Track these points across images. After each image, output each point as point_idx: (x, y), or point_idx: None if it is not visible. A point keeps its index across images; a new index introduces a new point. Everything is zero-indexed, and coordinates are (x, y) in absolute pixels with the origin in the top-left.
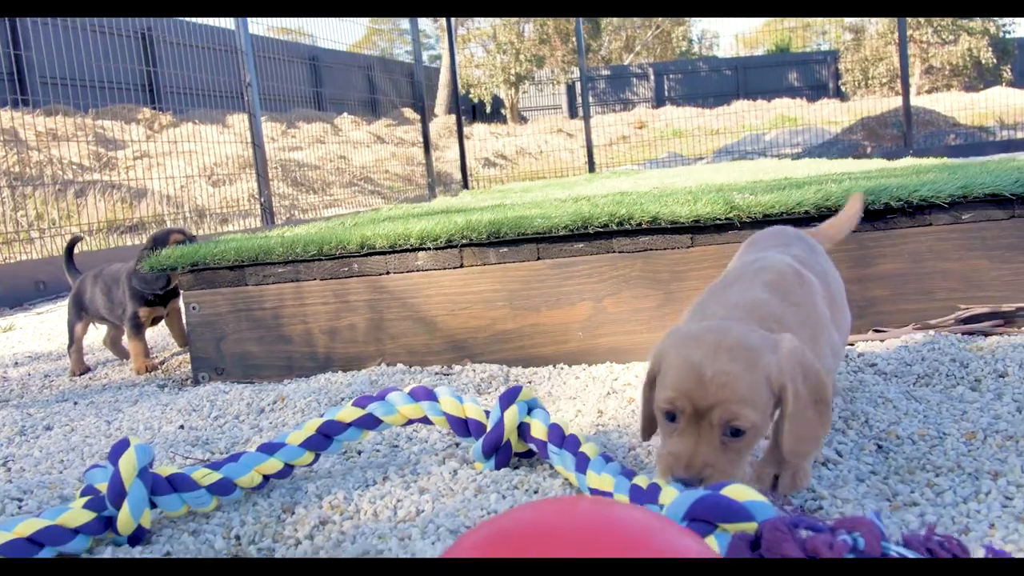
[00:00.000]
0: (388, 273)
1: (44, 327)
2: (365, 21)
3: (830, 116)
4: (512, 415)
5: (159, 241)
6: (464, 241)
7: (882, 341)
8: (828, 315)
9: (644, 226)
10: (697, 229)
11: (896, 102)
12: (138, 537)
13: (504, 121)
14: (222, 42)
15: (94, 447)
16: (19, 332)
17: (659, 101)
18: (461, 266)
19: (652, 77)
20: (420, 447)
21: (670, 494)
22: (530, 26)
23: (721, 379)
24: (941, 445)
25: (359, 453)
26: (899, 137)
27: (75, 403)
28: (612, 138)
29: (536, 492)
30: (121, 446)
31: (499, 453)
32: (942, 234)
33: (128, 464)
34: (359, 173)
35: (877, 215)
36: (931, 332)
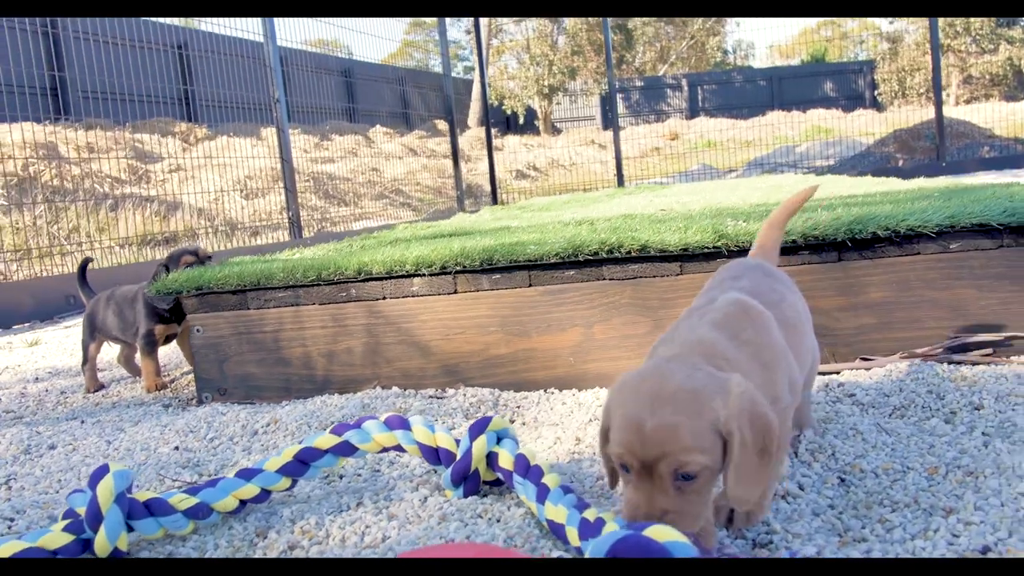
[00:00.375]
0: (384, 298)
1: (68, 342)
2: (399, 34)
3: (865, 127)
4: (480, 445)
5: (172, 260)
6: (458, 268)
7: (867, 370)
8: (784, 346)
9: (634, 254)
10: (686, 257)
11: (932, 113)
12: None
13: (537, 132)
14: (256, 55)
15: (92, 467)
16: (44, 347)
17: (693, 112)
18: (455, 292)
19: (686, 88)
20: (399, 472)
21: (611, 529)
22: (563, 38)
23: (662, 432)
24: (903, 480)
25: (340, 477)
26: (932, 149)
27: (82, 421)
28: (645, 149)
29: (499, 521)
30: (100, 472)
31: (467, 482)
32: (930, 263)
33: (106, 490)
34: (390, 185)
35: (865, 244)
36: (916, 361)
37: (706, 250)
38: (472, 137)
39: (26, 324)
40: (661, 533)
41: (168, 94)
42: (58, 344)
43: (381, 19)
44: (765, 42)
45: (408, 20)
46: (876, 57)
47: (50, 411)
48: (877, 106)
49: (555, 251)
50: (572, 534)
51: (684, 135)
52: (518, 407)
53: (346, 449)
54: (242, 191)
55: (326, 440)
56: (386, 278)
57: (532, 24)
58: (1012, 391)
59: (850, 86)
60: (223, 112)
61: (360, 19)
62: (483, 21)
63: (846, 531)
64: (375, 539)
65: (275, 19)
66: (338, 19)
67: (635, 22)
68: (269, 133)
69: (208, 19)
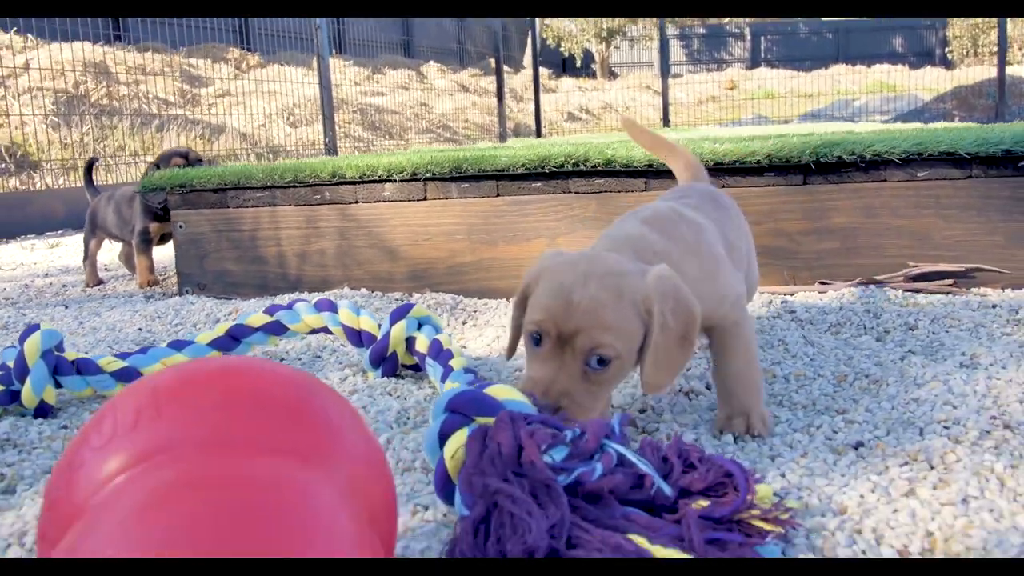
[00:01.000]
0: (357, 202)
1: None
2: None
3: (931, 84)
4: (399, 329)
5: (164, 160)
6: (428, 175)
7: (822, 295)
8: (723, 255)
9: (599, 168)
10: (651, 173)
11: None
12: (43, 411)
13: (593, 76)
14: None
15: None
16: (63, 249)
17: (754, 62)
18: (424, 199)
19: (749, 37)
20: (336, 358)
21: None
22: None
23: (588, 305)
24: (809, 385)
25: (282, 360)
26: (991, 107)
27: (66, 307)
28: (701, 97)
29: (402, 397)
30: (30, 330)
31: (386, 363)
32: (896, 191)
33: (32, 345)
34: (438, 121)
35: (831, 168)
36: (871, 287)
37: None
38: (527, 77)
39: (59, 231)
40: (501, 391)
41: (225, 21)
42: (77, 247)
43: None
44: None
45: None
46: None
47: (47, 300)
48: (947, 63)
49: (522, 162)
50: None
51: (743, 85)
52: (475, 311)
53: (277, 328)
54: (288, 118)
55: (258, 318)
56: (359, 182)
57: None
58: (950, 315)
59: (920, 42)
60: (276, 41)
61: None
62: None
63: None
64: None
65: None
66: None
67: None
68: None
69: None
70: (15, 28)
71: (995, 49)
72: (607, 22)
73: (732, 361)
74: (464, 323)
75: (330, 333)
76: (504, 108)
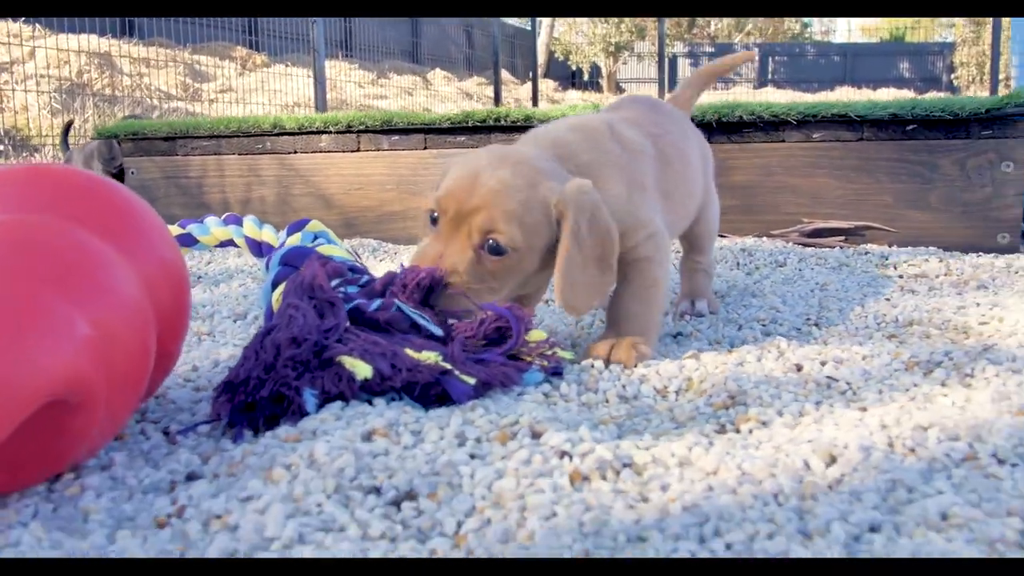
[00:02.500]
0: (295, 152)
1: None
2: None
3: None
4: (295, 240)
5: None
6: (361, 127)
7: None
8: (651, 179)
9: (519, 123)
10: None
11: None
12: None
13: (600, 90)
14: None
15: None
16: None
17: (761, 82)
18: (358, 150)
19: (756, 58)
20: (250, 271)
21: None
22: None
23: (494, 185)
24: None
25: (199, 278)
26: None
27: None
28: None
29: None
30: None
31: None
32: (792, 151)
33: None
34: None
35: (732, 128)
36: (764, 239)
37: None
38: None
39: None
40: (328, 249)
41: (233, 20)
42: None
43: None
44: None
45: None
46: (958, 39)
47: None
48: (952, 89)
49: (448, 117)
50: None
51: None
52: (395, 253)
53: (188, 240)
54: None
55: (171, 230)
56: (298, 133)
57: None
58: (817, 255)
59: (927, 68)
60: (284, 42)
61: None
62: None
63: (579, 325)
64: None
65: None
66: None
67: None
68: (328, 65)
69: None
70: (23, 17)
71: (1001, 76)
72: (615, 37)
73: (628, 299)
74: (381, 261)
75: (236, 246)
76: None
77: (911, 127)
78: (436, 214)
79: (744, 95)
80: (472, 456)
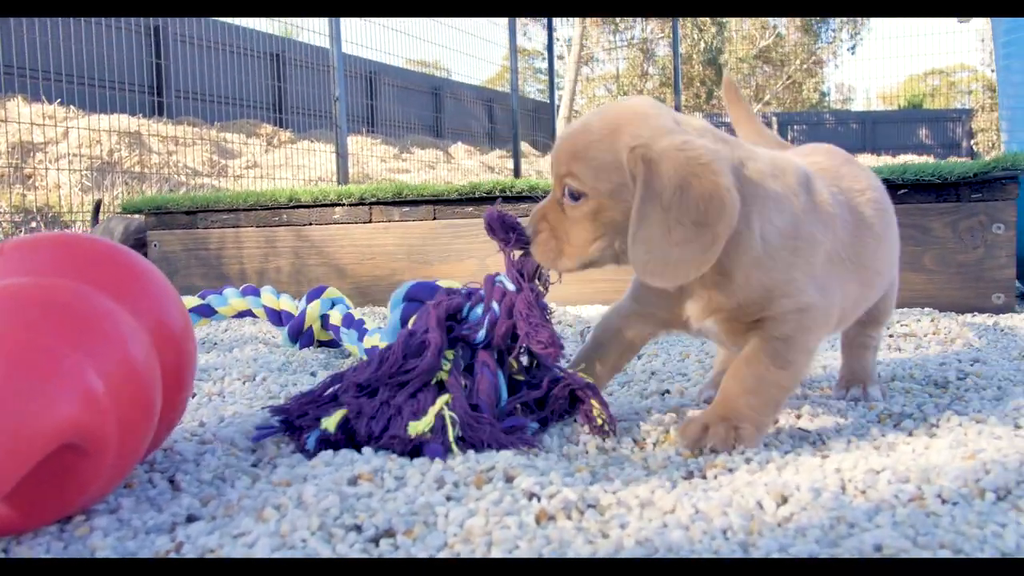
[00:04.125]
0: (311, 224)
1: None
2: (499, 58)
3: None
4: (315, 307)
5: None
6: (373, 200)
7: None
8: (823, 254)
9: (524, 194)
10: None
11: None
12: None
13: None
14: (350, 67)
15: None
16: None
17: None
18: (370, 221)
19: (776, 126)
20: (263, 339)
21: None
22: (653, 68)
23: (567, 144)
24: (652, 361)
25: (215, 344)
26: None
27: None
28: None
29: (288, 355)
30: None
31: (302, 338)
32: None
33: None
34: None
35: None
36: None
37: None
38: None
39: None
40: (445, 282)
41: (260, 99)
42: None
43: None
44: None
45: (506, 47)
46: (976, 106)
47: None
48: (972, 155)
49: (456, 189)
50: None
51: None
52: None
53: (206, 311)
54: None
55: (190, 301)
56: (313, 206)
57: (623, 54)
58: None
59: (946, 134)
60: (309, 119)
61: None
62: (574, 48)
63: None
64: (208, 361)
65: (343, 23)
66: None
67: (729, 58)
68: (352, 141)
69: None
70: (59, 100)
71: None
72: None
73: (749, 375)
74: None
75: (255, 316)
76: None
77: (902, 191)
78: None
79: None
80: (449, 498)
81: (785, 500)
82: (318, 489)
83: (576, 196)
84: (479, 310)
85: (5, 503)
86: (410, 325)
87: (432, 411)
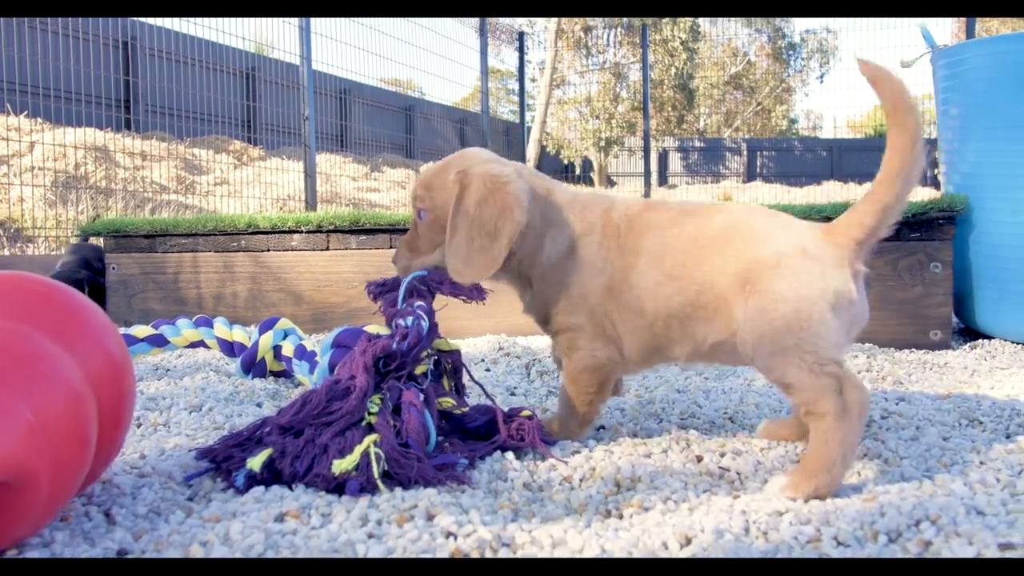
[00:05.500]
0: (268, 250)
1: None
2: (473, 79)
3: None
4: (267, 338)
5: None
6: (331, 227)
7: None
8: (593, 281)
9: None
10: None
11: None
12: None
13: (591, 183)
14: (322, 86)
15: None
16: None
17: (750, 176)
18: (327, 249)
19: (745, 152)
20: (216, 366)
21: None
22: (625, 92)
23: (424, 175)
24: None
25: (167, 371)
26: None
27: None
28: None
29: (236, 383)
30: None
31: (255, 368)
32: None
33: None
34: None
35: None
36: None
37: None
38: None
39: None
40: (373, 329)
41: (231, 116)
42: None
43: (454, 64)
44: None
45: (479, 68)
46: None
47: None
48: (936, 184)
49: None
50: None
51: (737, 198)
52: None
53: (159, 340)
54: (281, 208)
55: (143, 330)
56: (271, 232)
57: (595, 77)
58: None
59: None
60: (280, 136)
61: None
62: (547, 71)
63: None
64: (158, 389)
65: (315, 42)
66: (412, 61)
67: (700, 84)
68: (322, 159)
69: (277, 49)
70: (25, 112)
71: None
72: (606, 132)
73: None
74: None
75: (207, 346)
76: None
77: None
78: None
79: (733, 189)
80: (370, 535)
81: (689, 541)
82: (244, 526)
83: (421, 214)
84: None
85: None
86: (336, 373)
87: (358, 449)
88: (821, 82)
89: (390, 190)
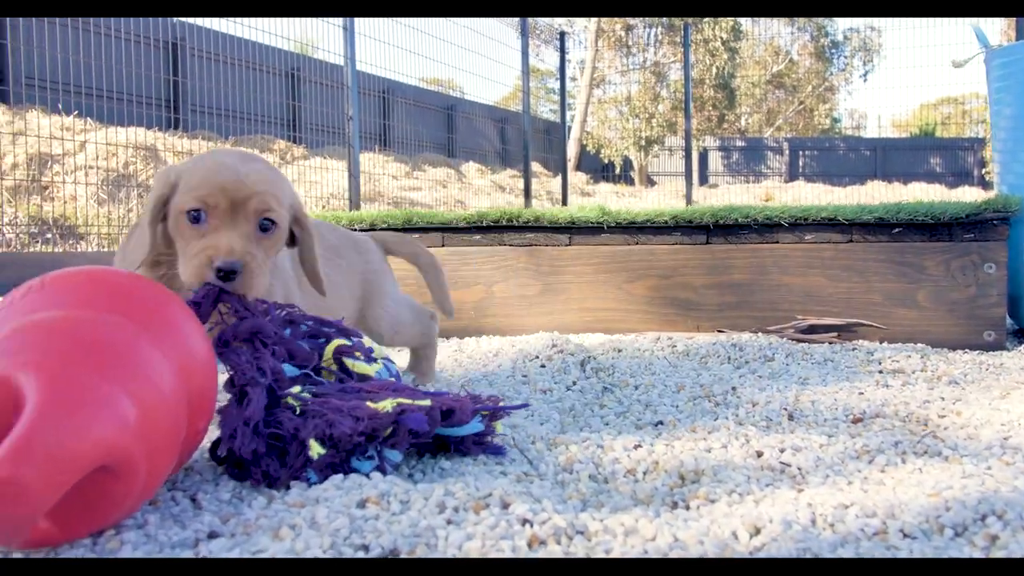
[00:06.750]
0: None
1: None
2: (512, 79)
3: None
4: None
5: None
6: (384, 226)
7: (704, 335)
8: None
9: (529, 224)
10: (575, 229)
11: None
12: None
13: (631, 183)
14: (363, 85)
15: None
16: None
17: (792, 176)
18: None
19: (787, 151)
20: None
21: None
22: (666, 91)
23: (260, 175)
24: (649, 391)
25: None
26: None
27: None
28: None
29: None
30: None
31: None
32: (786, 252)
33: None
34: None
35: (729, 229)
36: (760, 334)
37: (591, 224)
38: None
39: None
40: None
41: (275, 115)
42: None
43: (494, 64)
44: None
45: (519, 68)
46: (989, 136)
47: None
48: (984, 184)
49: (464, 217)
50: None
51: (779, 197)
52: None
53: None
54: (323, 207)
55: None
56: None
57: (636, 77)
58: (804, 351)
59: (958, 163)
60: (323, 136)
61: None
62: (587, 71)
63: (569, 410)
64: None
65: (359, 43)
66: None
67: (741, 83)
68: (364, 158)
69: (320, 49)
70: (76, 112)
71: None
72: (646, 131)
73: None
74: (399, 351)
75: None
76: (530, 204)
77: (897, 230)
78: (201, 210)
79: (775, 188)
80: (449, 522)
81: (758, 531)
82: (329, 511)
83: (272, 227)
84: None
85: (46, 517)
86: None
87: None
88: (865, 80)
89: (431, 189)
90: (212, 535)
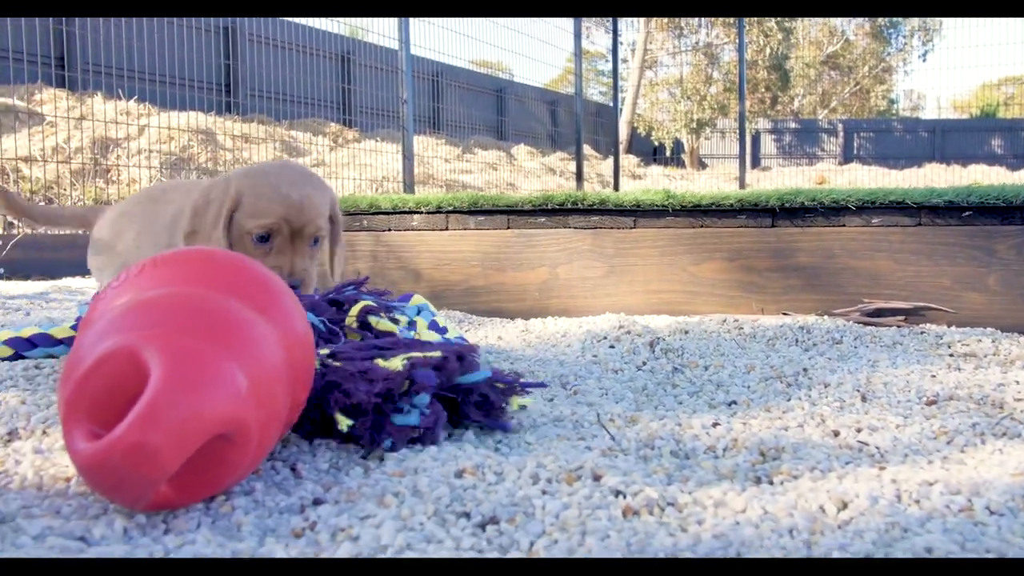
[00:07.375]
0: (389, 230)
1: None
2: (563, 61)
3: None
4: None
5: None
6: (450, 208)
7: (771, 317)
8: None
9: (595, 207)
10: (640, 212)
11: None
12: None
13: (682, 165)
14: (416, 68)
15: None
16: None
17: (847, 158)
18: (446, 229)
19: (842, 133)
20: None
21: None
22: (717, 73)
23: (310, 202)
24: (720, 372)
25: None
26: None
27: None
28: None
29: None
30: None
31: None
32: (853, 235)
33: None
34: None
35: (795, 212)
36: (826, 317)
37: (655, 207)
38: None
39: None
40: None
41: (328, 98)
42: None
43: (544, 45)
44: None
45: (570, 50)
46: None
47: None
48: None
49: (530, 200)
50: None
51: (834, 180)
52: (479, 324)
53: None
54: (377, 189)
55: (62, 331)
56: (392, 213)
57: (687, 59)
58: (872, 334)
59: (1020, 144)
60: (375, 118)
61: (524, 43)
62: (638, 52)
63: (642, 389)
64: None
65: (412, 26)
66: (503, 42)
67: (795, 64)
68: (417, 141)
69: (372, 31)
70: (135, 97)
71: None
72: (698, 113)
73: None
74: (466, 331)
75: None
76: (582, 187)
77: (967, 213)
78: (267, 235)
79: (829, 171)
80: (544, 492)
81: (845, 505)
82: (430, 480)
83: (318, 242)
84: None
85: (166, 482)
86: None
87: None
88: (923, 61)
89: (482, 171)
90: (317, 502)
